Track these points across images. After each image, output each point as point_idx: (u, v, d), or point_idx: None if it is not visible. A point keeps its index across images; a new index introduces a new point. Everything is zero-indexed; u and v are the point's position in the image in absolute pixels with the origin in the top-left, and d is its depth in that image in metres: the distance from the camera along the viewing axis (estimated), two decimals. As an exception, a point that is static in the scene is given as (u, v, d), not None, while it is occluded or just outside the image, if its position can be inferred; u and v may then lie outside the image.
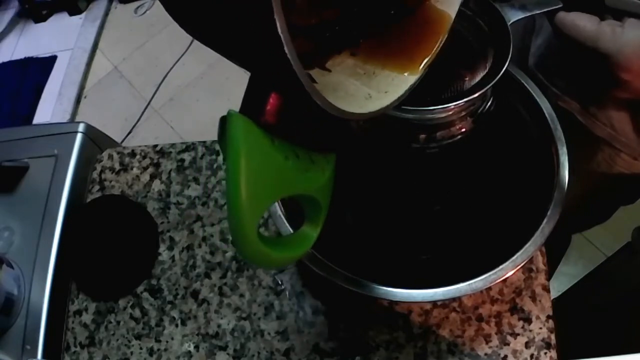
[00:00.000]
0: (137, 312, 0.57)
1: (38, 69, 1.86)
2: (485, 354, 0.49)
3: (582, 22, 0.37)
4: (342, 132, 0.39)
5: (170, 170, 0.64)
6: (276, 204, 0.44)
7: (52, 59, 1.89)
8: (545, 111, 0.45)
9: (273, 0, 0.18)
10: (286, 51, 0.19)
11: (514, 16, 0.37)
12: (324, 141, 0.30)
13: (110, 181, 0.65)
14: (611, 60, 0.37)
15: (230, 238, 0.59)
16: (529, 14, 0.37)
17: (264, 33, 0.19)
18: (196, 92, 1.73)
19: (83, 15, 2.00)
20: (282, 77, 0.21)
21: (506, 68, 0.34)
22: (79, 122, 0.68)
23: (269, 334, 0.54)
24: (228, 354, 0.54)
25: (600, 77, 0.41)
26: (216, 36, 0.24)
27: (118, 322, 0.57)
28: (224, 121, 0.25)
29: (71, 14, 2.01)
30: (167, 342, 0.55)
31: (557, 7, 0.38)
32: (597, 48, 0.37)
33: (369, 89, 0.29)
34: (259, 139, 0.24)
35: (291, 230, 0.42)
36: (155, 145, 0.66)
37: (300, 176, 0.27)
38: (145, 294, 0.58)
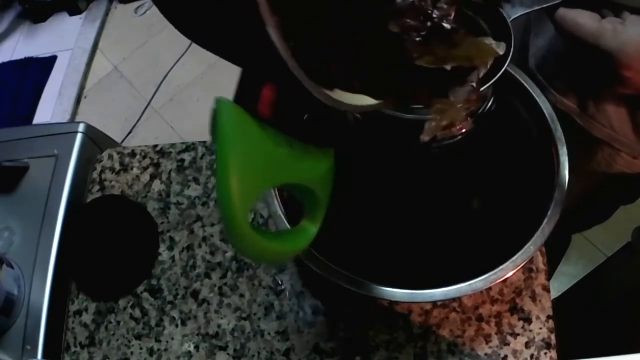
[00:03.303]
0: (137, 312, 0.57)
1: (38, 69, 1.86)
2: (485, 354, 0.49)
3: (583, 20, 0.37)
4: (338, 126, 0.39)
5: (170, 170, 0.64)
6: (276, 203, 0.44)
7: (52, 59, 1.88)
8: (545, 111, 0.44)
9: None
10: (270, 32, 0.19)
11: (513, 13, 0.37)
12: (320, 135, 0.30)
13: (110, 181, 0.65)
14: (612, 58, 0.37)
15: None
16: (528, 10, 0.37)
17: (246, 15, 0.19)
18: (196, 92, 1.73)
19: (83, 15, 2.00)
20: (267, 61, 0.21)
21: (506, 67, 0.34)
22: (79, 122, 0.68)
23: (269, 334, 0.54)
24: (228, 354, 0.54)
25: (601, 74, 0.41)
26: (204, 32, 0.24)
27: (118, 322, 0.57)
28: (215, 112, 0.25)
29: (71, 14, 2.00)
30: (167, 342, 0.55)
31: (556, 2, 0.38)
32: (598, 46, 0.37)
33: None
34: (249, 125, 0.25)
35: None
36: (155, 145, 0.66)
37: (293, 165, 0.27)
38: (145, 294, 0.58)
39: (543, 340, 0.49)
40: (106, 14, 2.00)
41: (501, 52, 0.33)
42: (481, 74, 0.35)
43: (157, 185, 0.63)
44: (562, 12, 0.38)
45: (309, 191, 0.29)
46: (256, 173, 0.25)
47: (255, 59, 0.23)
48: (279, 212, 0.43)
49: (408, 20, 0.31)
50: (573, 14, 0.37)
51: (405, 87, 0.32)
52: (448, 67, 0.31)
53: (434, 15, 0.32)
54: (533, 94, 0.45)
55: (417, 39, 0.31)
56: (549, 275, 0.52)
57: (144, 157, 0.65)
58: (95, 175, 0.65)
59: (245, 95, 0.25)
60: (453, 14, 0.32)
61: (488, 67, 0.35)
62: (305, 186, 0.29)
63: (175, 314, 0.56)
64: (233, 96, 0.25)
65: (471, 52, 0.32)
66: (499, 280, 0.39)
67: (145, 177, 0.64)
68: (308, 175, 0.29)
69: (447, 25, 0.32)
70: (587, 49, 0.37)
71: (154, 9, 1.98)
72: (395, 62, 0.31)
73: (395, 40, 0.31)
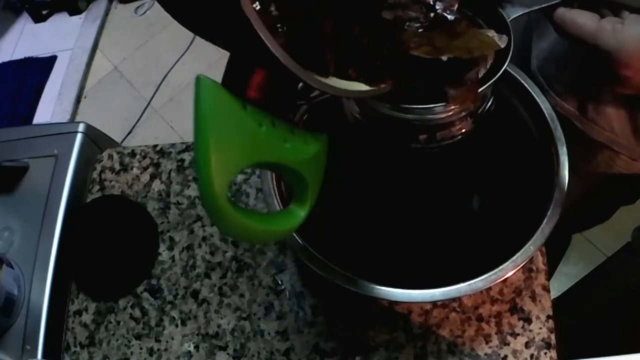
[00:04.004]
0: (137, 312, 0.57)
1: (38, 69, 1.86)
2: (485, 354, 0.49)
3: (582, 20, 0.37)
4: (339, 127, 0.39)
5: (170, 170, 0.64)
6: (276, 203, 0.44)
7: (52, 59, 1.88)
8: (545, 111, 0.44)
9: None
10: (244, 8, 0.20)
11: (513, 13, 0.37)
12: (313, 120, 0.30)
13: (110, 181, 0.65)
14: (612, 57, 0.37)
15: (231, 238, 0.59)
16: (528, 10, 0.37)
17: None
18: (196, 92, 1.73)
19: (83, 15, 2.00)
20: (256, 47, 0.21)
21: (506, 66, 0.34)
22: (79, 122, 0.68)
23: (269, 334, 0.54)
24: (228, 354, 0.54)
25: (600, 75, 0.41)
26: (198, 19, 0.24)
27: (118, 322, 0.57)
28: None
29: (71, 14, 2.00)
30: (167, 342, 0.55)
31: (555, 2, 0.38)
32: (597, 45, 0.37)
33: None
34: (228, 102, 0.25)
35: None
36: (155, 145, 0.66)
37: (276, 144, 0.27)
38: (145, 294, 0.58)
39: (543, 340, 0.49)
40: (106, 14, 2.00)
41: (503, 45, 0.33)
42: (481, 74, 0.35)
43: (157, 185, 0.63)
44: (561, 12, 0.38)
45: (296, 174, 0.29)
46: (235, 149, 0.25)
47: (243, 44, 0.23)
48: (278, 208, 0.43)
49: (409, 12, 0.31)
50: (572, 13, 0.37)
51: (403, 76, 0.32)
52: (444, 58, 0.30)
53: (437, 7, 0.32)
54: (533, 94, 0.45)
55: (420, 30, 0.31)
56: (549, 275, 0.52)
57: (144, 157, 0.65)
58: (95, 175, 0.65)
59: (233, 80, 0.25)
60: (456, 5, 0.32)
61: (488, 66, 0.35)
62: (291, 168, 0.29)
63: (175, 314, 0.56)
64: (221, 80, 0.26)
65: (472, 44, 0.32)
66: (499, 280, 0.39)
67: (145, 177, 0.64)
68: (292, 156, 0.28)
69: (450, 17, 0.32)
70: (587, 49, 0.37)
71: (154, 9, 1.99)
72: (391, 52, 0.31)
73: (392, 29, 0.31)
